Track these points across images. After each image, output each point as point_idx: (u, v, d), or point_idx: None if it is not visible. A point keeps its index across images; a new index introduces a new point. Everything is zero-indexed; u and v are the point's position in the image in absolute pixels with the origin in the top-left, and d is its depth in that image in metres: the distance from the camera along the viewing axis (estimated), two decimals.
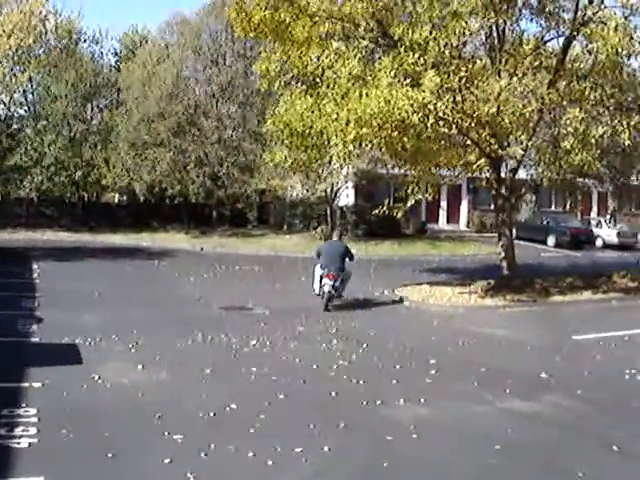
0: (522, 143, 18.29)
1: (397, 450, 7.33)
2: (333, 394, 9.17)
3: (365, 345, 12.17)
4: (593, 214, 44.99)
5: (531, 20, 18.58)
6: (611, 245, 36.73)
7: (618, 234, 37.32)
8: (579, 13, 16.57)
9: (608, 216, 41.43)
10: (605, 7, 16.43)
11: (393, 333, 13.63)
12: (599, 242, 37.48)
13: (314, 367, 10.59)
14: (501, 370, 10.82)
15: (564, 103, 17.26)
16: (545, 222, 37.91)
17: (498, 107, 15.94)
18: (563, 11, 17.85)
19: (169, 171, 34.54)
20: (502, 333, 14.14)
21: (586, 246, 35.97)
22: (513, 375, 10.48)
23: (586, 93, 16.85)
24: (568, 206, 43.51)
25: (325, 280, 16.16)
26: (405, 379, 10.06)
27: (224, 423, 8.04)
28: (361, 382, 9.82)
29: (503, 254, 19.56)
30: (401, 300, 17.95)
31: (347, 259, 16.74)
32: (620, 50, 15.17)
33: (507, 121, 16.33)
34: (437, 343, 12.83)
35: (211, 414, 8.22)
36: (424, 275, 22.74)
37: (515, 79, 16.28)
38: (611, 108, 17.23)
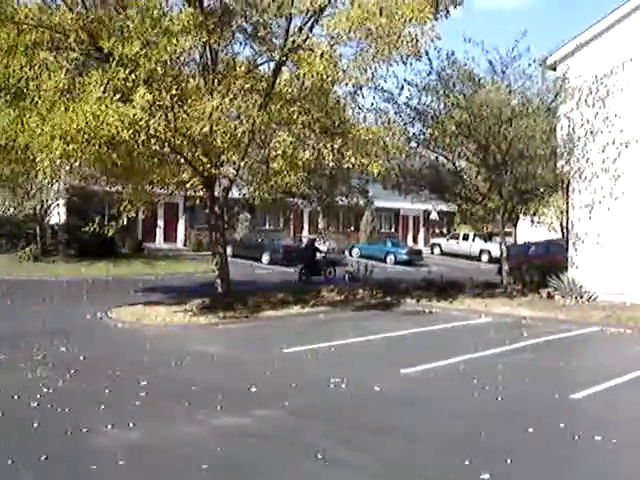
0: (235, 163, 18.71)
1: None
2: (35, 425, 8.57)
3: (73, 371, 11.57)
4: (305, 232, 47.24)
5: (245, 44, 19.14)
6: None
7: (327, 251, 39.60)
8: (289, 40, 17.31)
9: (318, 234, 43.81)
10: (313, 35, 17.39)
11: (104, 356, 13.16)
12: None
13: (14, 398, 9.83)
14: (213, 387, 10.83)
15: (274, 126, 17.94)
16: (260, 240, 39.14)
17: (211, 127, 16.19)
18: (275, 37, 18.59)
19: None
20: (215, 350, 14.22)
21: (298, 262, 37.61)
22: (225, 392, 10.52)
23: (295, 117, 17.66)
24: (281, 224, 45.34)
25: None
26: (114, 404, 9.70)
27: None
28: (67, 410, 9.29)
29: (217, 272, 19.79)
30: (114, 322, 17.45)
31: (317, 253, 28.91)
32: (325, 77, 16.06)
33: (219, 141, 16.64)
34: (149, 364, 12.58)
35: None
36: (140, 295, 22.35)
37: (228, 100, 16.61)
38: (317, 132, 18.14)
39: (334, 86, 17.90)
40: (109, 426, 8.62)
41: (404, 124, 22.07)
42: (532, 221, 28.50)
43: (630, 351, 15.05)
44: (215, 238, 20.02)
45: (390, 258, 42.61)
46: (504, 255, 23.67)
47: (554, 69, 21.94)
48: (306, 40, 17.20)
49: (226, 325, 17.38)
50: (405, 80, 21.84)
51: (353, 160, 17.40)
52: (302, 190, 20.01)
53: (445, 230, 57.70)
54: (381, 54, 16.64)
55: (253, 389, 10.66)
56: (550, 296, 21.73)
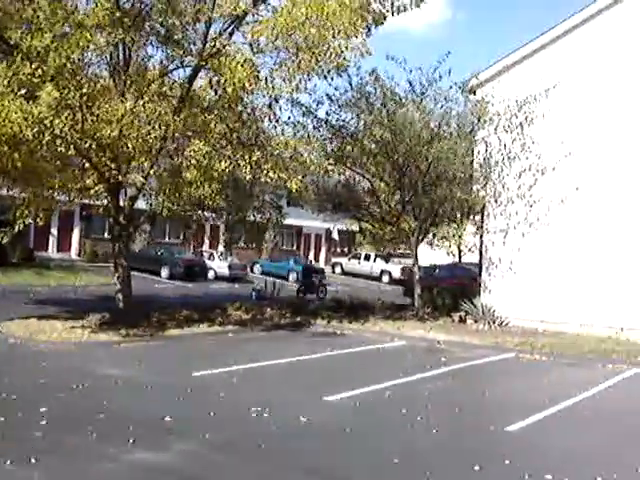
0: (143, 171, 17.64)
1: None
2: None
3: None
4: (205, 246, 46.06)
5: (158, 47, 18.11)
6: (223, 277, 37.95)
7: (229, 267, 38.78)
8: (208, 44, 16.46)
9: (221, 249, 42.80)
10: (234, 42, 16.58)
11: None
12: (211, 274, 38.55)
13: None
14: (121, 416, 9.78)
15: (189, 133, 17.00)
16: (159, 253, 37.83)
17: (121, 130, 15.10)
18: (191, 44, 17.61)
19: None
20: (119, 372, 13.04)
21: (199, 278, 36.62)
22: (135, 421, 9.49)
23: (211, 125, 16.76)
24: (182, 238, 44.04)
25: None
26: (11, 434, 8.51)
27: None
28: None
29: (119, 286, 18.57)
30: (5, 336, 16.01)
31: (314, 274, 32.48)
32: (246, 85, 15.27)
33: (130, 146, 15.55)
34: (48, 387, 11.35)
35: None
36: (32, 308, 20.79)
37: (141, 103, 15.57)
38: (234, 142, 17.30)
39: (253, 95, 17.14)
40: (7, 462, 7.46)
41: (323, 139, 21.52)
42: (431, 244, 28.27)
43: (550, 379, 14.82)
44: (118, 249, 18.77)
45: (292, 276, 41.96)
46: (417, 277, 23.35)
47: (474, 93, 21.90)
48: (225, 46, 16.38)
49: (129, 344, 16.18)
50: (327, 95, 21.34)
51: (272, 174, 16.64)
52: (216, 203, 19.02)
53: (346, 249, 57.61)
54: (306, 65, 15.98)
55: (167, 418, 9.64)
56: (462, 320, 21.57)
